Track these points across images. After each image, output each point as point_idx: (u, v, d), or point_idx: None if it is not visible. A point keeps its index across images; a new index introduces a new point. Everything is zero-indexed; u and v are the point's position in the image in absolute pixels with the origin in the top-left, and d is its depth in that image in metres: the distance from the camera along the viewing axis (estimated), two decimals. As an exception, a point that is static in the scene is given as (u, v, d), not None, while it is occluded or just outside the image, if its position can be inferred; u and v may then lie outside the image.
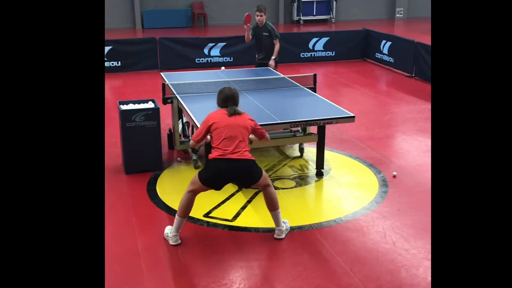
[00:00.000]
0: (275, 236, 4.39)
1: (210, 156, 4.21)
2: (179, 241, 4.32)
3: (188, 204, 4.23)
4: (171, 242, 4.31)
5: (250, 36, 7.58)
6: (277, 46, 7.51)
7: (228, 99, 4.31)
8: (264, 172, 4.30)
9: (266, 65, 7.54)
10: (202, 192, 4.26)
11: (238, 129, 4.17)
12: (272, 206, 4.33)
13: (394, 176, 5.68)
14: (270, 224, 4.56)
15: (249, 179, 4.25)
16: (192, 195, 4.23)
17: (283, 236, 4.39)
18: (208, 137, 4.33)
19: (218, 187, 4.29)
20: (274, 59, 7.51)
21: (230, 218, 4.76)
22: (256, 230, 4.55)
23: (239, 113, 4.26)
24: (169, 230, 4.36)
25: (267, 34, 7.47)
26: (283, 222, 4.44)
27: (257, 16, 7.42)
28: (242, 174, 4.21)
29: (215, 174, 4.18)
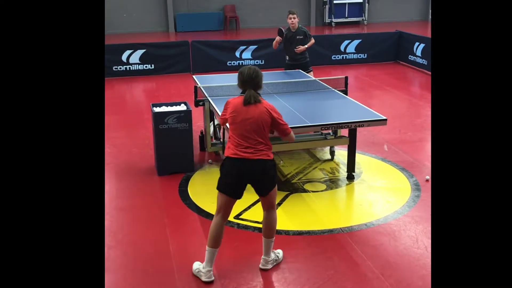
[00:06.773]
0: (260, 266, 3.94)
1: (225, 153, 3.69)
2: (213, 277, 3.78)
3: (217, 230, 3.71)
4: (203, 279, 3.76)
5: (278, 45, 7.59)
6: (311, 42, 7.50)
7: (246, 82, 3.64)
8: (276, 187, 3.76)
9: (296, 67, 7.53)
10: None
11: (253, 121, 3.57)
12: (270, 232, 3.85)
13: (427, 180, 5.59)
14: (300, 227, 4.56)
15: (266, 183, 3.67)
16: (219, 219, 3.71)
17: (268, 267, 3.93)
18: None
19: (236, 193, 3.68)
20: (305, 47, 7.43)
21: (260, 220, 4.76)
22: (286, 232, 4.55)
23: (255, 102, 3.60)
24: (198, 266, 3.87)
25: (302, 37, 7.42)
26: (275, 252, 4.03)
27: (290, 19, 7.36)
28: (257, 177, 3.65)
29: (230, 176, 3.63)
